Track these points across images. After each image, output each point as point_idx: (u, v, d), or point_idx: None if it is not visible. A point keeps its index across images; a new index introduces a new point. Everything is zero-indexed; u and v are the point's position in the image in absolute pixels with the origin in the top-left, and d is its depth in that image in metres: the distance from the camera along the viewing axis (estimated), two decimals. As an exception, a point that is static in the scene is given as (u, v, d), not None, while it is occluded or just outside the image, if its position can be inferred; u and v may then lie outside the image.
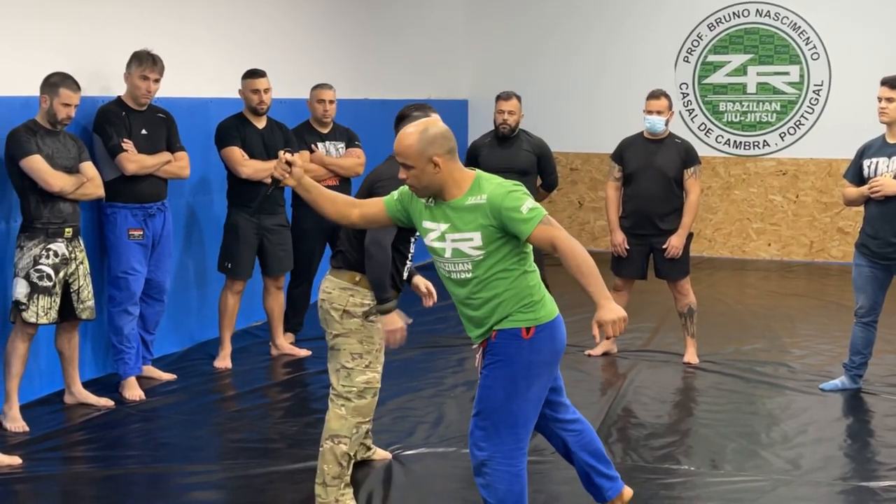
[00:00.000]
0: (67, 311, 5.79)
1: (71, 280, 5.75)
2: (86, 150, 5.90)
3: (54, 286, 5.61)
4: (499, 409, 3.86)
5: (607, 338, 3.63)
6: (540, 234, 3.72)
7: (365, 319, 4.46)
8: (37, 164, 5.52)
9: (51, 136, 5.65)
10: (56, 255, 5.63)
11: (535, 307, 3.86)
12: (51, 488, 4.92)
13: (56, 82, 5.61)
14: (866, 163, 6.22)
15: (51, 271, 5.59)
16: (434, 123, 3.85)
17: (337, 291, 4.47)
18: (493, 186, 3.80)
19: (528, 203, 3.74)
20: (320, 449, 4.51)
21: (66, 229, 5.68)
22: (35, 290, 5.54)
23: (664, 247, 6.97)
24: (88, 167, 5.83)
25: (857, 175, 6.30)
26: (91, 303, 5.88)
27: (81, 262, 5.81)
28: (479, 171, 3.91)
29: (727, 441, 5.58)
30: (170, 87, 6.70)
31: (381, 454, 5.23)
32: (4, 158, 5.61)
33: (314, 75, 7.96)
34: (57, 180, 5.57)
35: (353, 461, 4.58)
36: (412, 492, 4.89)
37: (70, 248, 5.72)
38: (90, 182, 5.79)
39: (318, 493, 4.50)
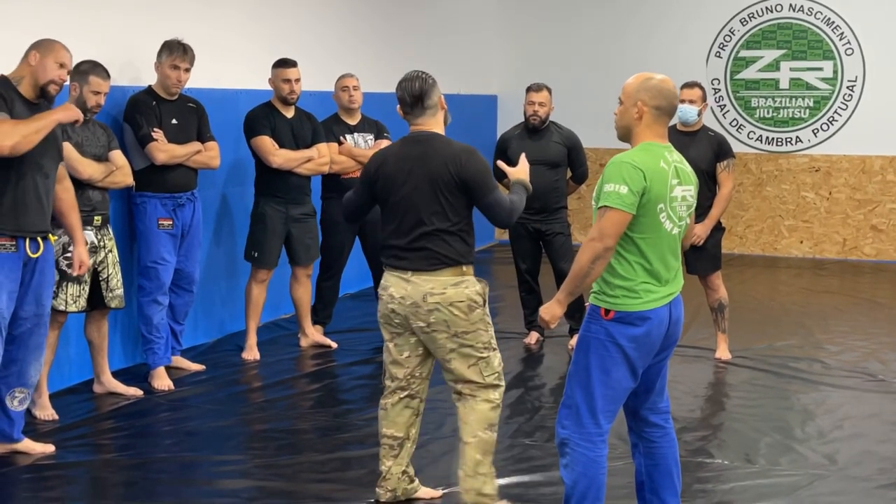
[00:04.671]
0: (97, 300, 5.78)
1: (100, 268, 5.74)
2: (115, 138, 5.90)
3: (83, 274, 5.60)
4: (580, 387, 3.84)
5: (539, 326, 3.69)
6: (597, 217, 3.76)
7: (484, 306, 4.34)
8: (66, 152, 5.50)
9: (80, 124, 5.64)
10: (85, 242, 5.61)
11: (623, 294, 3.80)
12: (80, 475, 4.93)
13: (86, 70, 5.61)
14: None
15: (80, 259, 5.58)
16: (663, 79, 3.89)
17: (451, 290, 4.25)
18: (620, 156, 3.79)
19: (611, 185, 3.72)
20: (470, 441, 4.34)
21: (96, 217, 5.68)
22: (64, 277, 5.53)
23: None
24: (118, 155, 5.82)
25: None
26: (120, 291, 5.87)
27: (111, 251, 5.80)
28: (645, 143, 3.87)
29: (761, 436, 5.50)
30: (201, 78, 6.70)
31: (426, 493, 4.73)
32: (35, 146, 5.61)
33: (343, 68, 7.92)
34: (86, 167, 5.56)
35: None
36: (440, 484, 4.84)
37: (99, 237, 5.72)
38: (119, 170, 5.79)
39: (477, 488, 4.34)
